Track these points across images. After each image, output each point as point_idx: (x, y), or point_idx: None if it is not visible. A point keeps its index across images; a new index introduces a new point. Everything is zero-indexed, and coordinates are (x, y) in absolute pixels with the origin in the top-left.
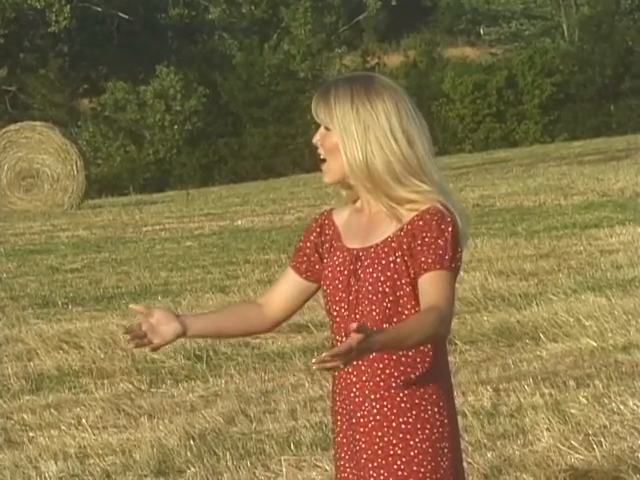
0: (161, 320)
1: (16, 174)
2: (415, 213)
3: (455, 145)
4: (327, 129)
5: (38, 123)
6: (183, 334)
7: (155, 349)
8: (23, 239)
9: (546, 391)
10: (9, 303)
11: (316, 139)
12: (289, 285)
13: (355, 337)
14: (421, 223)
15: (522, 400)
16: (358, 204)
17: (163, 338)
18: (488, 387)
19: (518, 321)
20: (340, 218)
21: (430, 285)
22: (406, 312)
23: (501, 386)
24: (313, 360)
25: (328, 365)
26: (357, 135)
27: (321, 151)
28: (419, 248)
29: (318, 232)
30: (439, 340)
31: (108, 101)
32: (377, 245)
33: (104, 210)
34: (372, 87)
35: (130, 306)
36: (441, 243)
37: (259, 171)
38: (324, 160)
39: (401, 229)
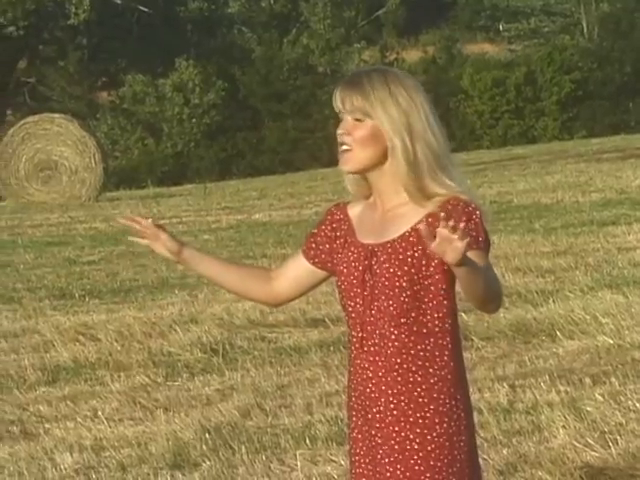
0: (161, 230)
1: (34, 166)
2: (434, 205)
3: (473, 141)
4: (358, 120)
5: (57, 115)
6: (177, 253)
7: (143, 244)
8: (41, 231)
9: (562, 388)
10: (26, 294)
11: (342, 130)
12: (296, 266)
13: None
14: (443, 214)
15: (538, 397)
16: (371, 199)
17: (156, 240)
18: (504, 384)
19: (535, 318)
20: (353, 213)
21: None
22: (423, 306)
23: (517, 383)
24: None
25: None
26: (400, 123)
27: (348, 141)
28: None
29: (333, 227)
30: (492, 309)
31: (127, 94)
32: (394, 240)
33: (122, 203)
34: (404, 78)
35: (117, 218)
36: (472, 226)
37: (277, 165)
38: (348, 150)
39: (421, 222)
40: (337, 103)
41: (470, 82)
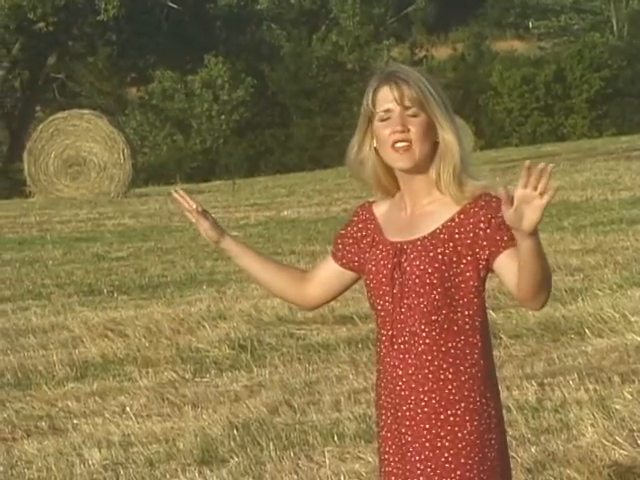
0: (203, 218)
1: (63, 162)
2: (466, 202)
3: (502, 139)
4: (413, 116)
5: (86, 111)
6: (216, 242)
7: (190, 218)
8: (69, 227)
9: (591, 386)
10: (55, 290)
11: (400, 127)
12: (326, 269)
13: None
14: (477, 209)
15: (567, 395)
16: (397, 197)
17: (201, 223)
18: (533, 382)
19: (563, 316)
20: (379, 211)
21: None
22: (454, 303)
23: (546, 381)
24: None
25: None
26: (451, 119)
27: (407, 137)
28: (488, 231)
29: (359, 227)
30: (542, 300)
31: (156, 90)
32: (424, 237)
33: (150, 199)
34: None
35: (172, 192)
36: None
37: (305, 162)
38: (407, 146)
39: (452, 220)
40: (389, 99)
41: (499, 79)
